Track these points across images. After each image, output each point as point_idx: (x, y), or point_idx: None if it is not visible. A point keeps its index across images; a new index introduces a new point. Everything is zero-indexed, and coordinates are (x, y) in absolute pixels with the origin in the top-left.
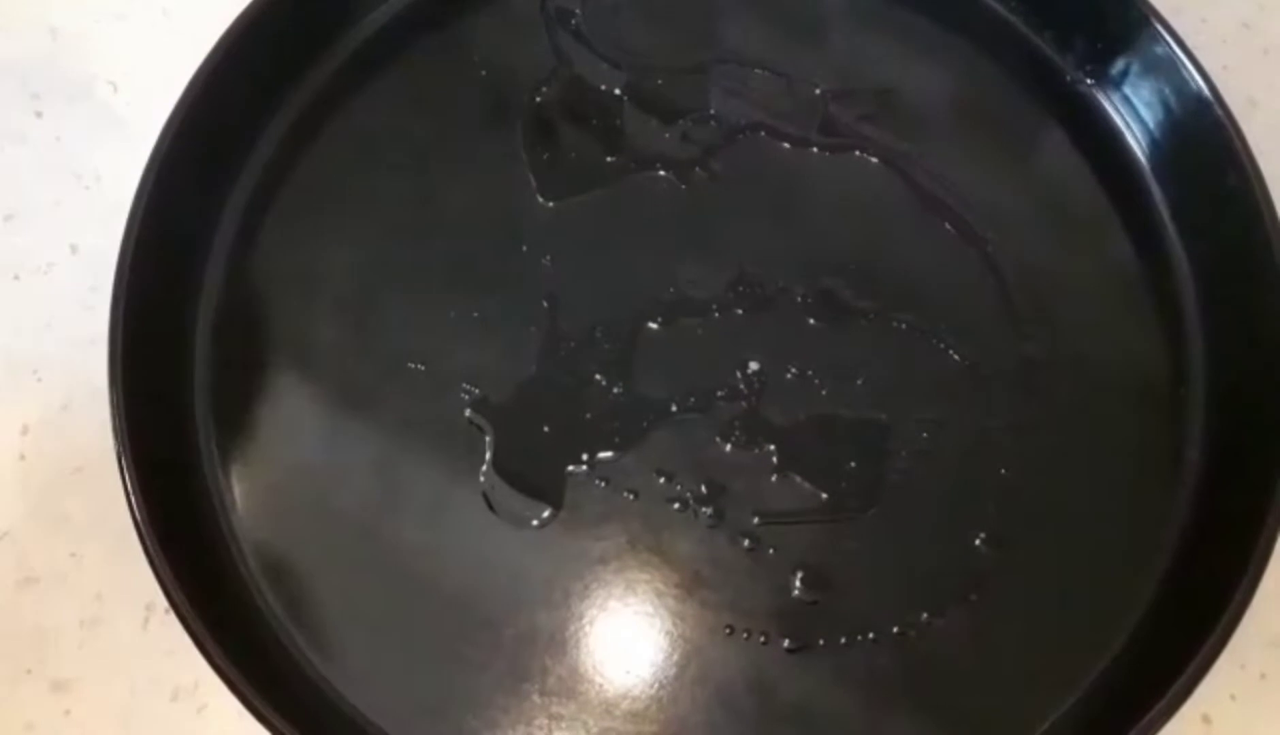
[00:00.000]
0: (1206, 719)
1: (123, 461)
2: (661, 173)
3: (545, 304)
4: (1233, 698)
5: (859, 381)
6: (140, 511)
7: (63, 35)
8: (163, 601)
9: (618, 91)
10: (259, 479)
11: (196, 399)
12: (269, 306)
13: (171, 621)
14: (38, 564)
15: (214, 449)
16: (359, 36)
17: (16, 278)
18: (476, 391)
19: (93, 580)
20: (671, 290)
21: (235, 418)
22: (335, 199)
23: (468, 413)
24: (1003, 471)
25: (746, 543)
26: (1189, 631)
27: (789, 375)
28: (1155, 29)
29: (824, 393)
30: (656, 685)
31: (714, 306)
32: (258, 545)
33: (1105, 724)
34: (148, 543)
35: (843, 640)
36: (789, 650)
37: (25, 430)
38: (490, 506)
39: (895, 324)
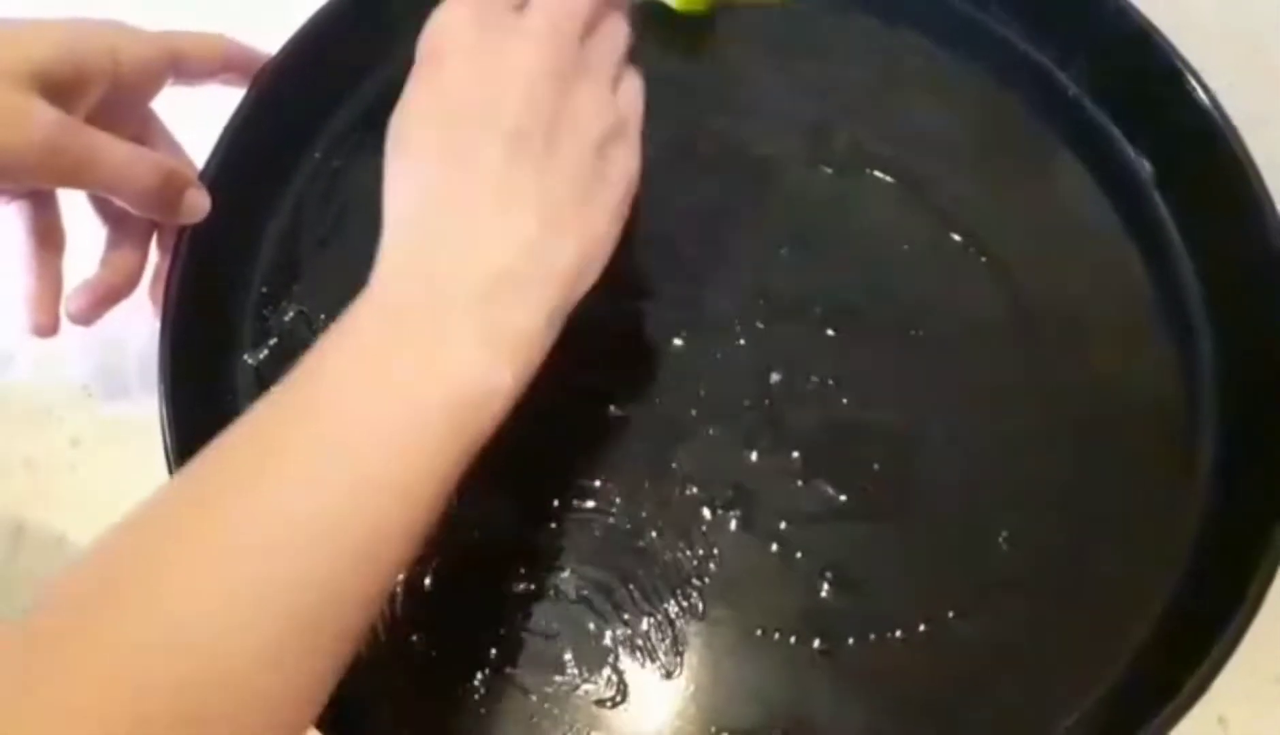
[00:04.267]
0: (1222, 720)
1: (172, 471)
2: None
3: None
4: (1248, 700)
5: (878, 389)
6: None
7: None
8: None
9: None
10: None
11: (240, 411)
12: (307, 327)
13: None
14: None
15: None
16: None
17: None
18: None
19: None
20: (695, 305)
21: None
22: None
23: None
24: (1021, 474)
25: (775, 546)
26: (1204, 633)
27: (810, 384)
28: (1161, 49)
29: (844, 400)
30: (693, 687)
31: (736, 320)
32: None
33: (1123, 721)
34: None
35: (871, 637)
36: (820, 650)
37: (76, 443)
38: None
39: (913, 333)
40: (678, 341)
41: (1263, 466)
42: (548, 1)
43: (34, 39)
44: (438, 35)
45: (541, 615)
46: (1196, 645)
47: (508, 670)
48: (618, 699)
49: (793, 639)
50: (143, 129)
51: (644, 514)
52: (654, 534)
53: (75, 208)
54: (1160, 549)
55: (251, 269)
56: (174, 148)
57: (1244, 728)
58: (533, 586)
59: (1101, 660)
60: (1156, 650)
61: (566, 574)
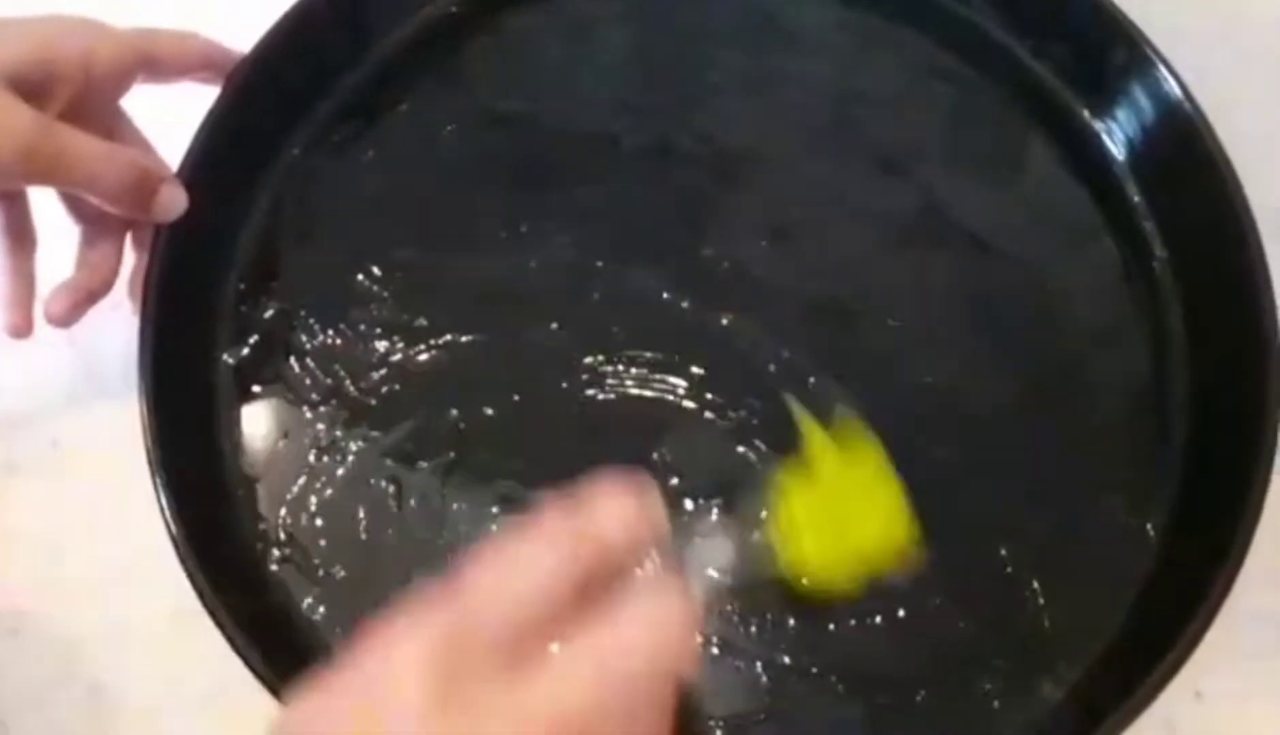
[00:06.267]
0: (1198, 694)
1: (155, 472)
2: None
3: (556, 325)
4: (1224, 674)
5: (857, 377)
6: (172, 518)
7: None
8: (189, 606)
9: None
10: (283, 486)
11: (221, 409)
12: (287, 324)
13: (198, 626)
14: (71, 571)
15: (240, 458)
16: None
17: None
18: (489, 411)
19: (123, 586)
20: (677, 298)
21: (259, 430)
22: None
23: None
24: (999, 457)
25: (756, 535)
26: (1180, 610)
27: (791, 374)
28: (1132, 38)
29: (825, 390)
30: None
31: (718, 311)
32: (285, 546)
33: (1104, 696)
34: (180, 548)
35: (851, 622)
36: (800, 636)
37: (56, 445)
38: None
39: (890, 322)
40: (659, 334)
41: (1234, 443)
42: (595, 655)
43: (7, 38)
44: (380, 684)
45: None
46: (1172, 624)
47: None
48: None
49: (773, 625)
50: (112, 126)
51: None
52: None
53: (47, 207)
54: (1135, 528)
55: (230, 267)
56: (143, 145)
57: (1220, 701)
58: None
59: (1080, 638)
60: (1134, 627)
61: None
